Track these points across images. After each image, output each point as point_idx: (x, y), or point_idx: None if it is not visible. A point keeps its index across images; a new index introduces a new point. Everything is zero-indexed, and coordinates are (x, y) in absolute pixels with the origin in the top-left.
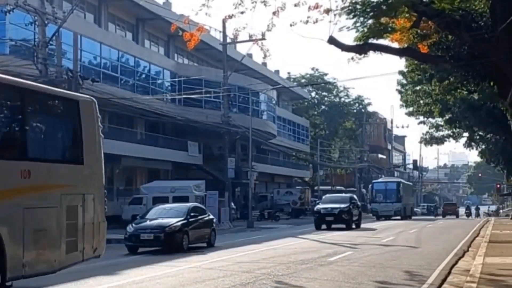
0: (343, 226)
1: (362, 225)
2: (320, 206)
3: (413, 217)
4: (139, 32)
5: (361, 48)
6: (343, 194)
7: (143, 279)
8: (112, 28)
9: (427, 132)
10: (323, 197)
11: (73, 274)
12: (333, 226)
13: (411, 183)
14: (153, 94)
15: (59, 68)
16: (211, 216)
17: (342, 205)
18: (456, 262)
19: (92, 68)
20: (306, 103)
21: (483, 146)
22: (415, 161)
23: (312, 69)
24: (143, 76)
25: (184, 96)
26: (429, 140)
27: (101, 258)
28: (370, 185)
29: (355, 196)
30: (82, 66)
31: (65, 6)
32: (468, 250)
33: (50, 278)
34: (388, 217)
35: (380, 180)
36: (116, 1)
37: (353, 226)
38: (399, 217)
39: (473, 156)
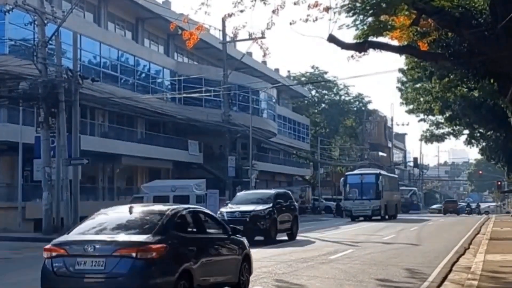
0: (262, 238)
1: (307, 234)
2: (225, 209)
3: (398, 217)
4: (138, 31)
5: (361, 46)
6: (266, 190)
7: None
8: (111, 27)
9: (428, 129)
10: (237, 194)
11: None
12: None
13: (396, 176)
14: (153, 93)
15: (59, 68)
16: None
17: (260, 207)
18: (457, 260)
19: (92, 68)
20: (306, 101)
21: (484, 144)
22: (415, 159)
23: (312, 67)
24: (143, 75)
25: (184, 95)
26: (430, 138)
27: None
28: (342, 178)
29: (287, 193)
30: (82, 65)
31: (64, 6)
32: (469, 248)
33: None
34: (368, 218)
35: (355, 172)
36: (115, 0)
37: (284, 238)
38: (379, 217)
39: (473, 154)
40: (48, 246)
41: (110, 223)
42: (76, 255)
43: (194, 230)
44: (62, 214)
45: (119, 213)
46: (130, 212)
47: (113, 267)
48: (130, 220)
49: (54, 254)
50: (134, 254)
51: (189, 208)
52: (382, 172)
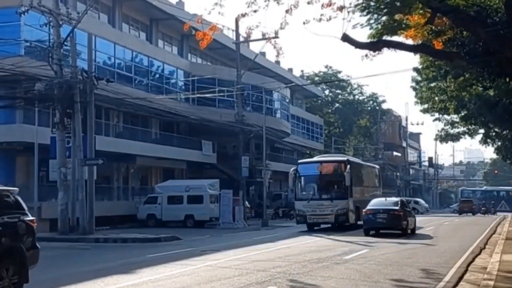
0: None
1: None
2: None
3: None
4: (152, 32)
5: (375, 45)
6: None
7: (159, 277)
8: (126, 28)
9: (443, 129)
10: None
11: (89, 273)
12: None
13: (375, 166)
14: (167, 94)
15: (74, 69)
16: None
17: None
18: (473, 260)
19: (107, 68)
20: (320, 101)
21: (499, 143)
22: (430, 158)
23: (326, 66)
24: (157, 76)
25: (198, 95)
26: (445, 137)
27: (117, 257)
28: (292, 169)
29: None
30: (97, 66)
31: (79, 7)
32: (484, 248)
33: (68, 277)
34: (332, 225)
35: (313, 159)
36: (130, 1)
37: None
38: (347, 224)
39: (489, 153)
40: (365, 210)
41: (380, 202)
42: (375, 213)
43: (405, 205)
44: (78, 214)
45: (382, 199)
46: (385, 199)
47: (388, 216)
48: (388, 201)
49: (368, 213)
50: (395, 213)
51: (402, 198)
52: (352, 159)
